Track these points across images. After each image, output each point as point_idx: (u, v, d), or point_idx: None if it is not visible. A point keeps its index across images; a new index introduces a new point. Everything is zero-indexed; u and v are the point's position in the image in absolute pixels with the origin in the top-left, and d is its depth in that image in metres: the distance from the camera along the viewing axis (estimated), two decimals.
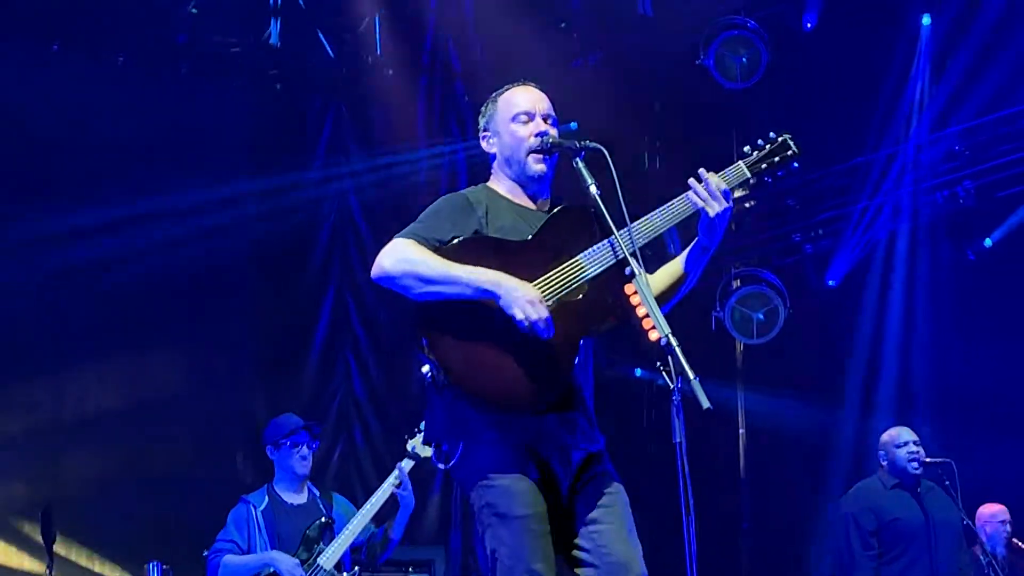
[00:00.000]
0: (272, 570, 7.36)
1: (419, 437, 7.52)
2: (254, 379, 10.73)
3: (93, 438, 9.77)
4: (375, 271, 4.31)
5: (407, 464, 7.61)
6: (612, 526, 4.27)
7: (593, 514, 4.28)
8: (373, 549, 7.74)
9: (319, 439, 7.93)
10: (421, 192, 11.08)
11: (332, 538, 7.54)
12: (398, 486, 7.58)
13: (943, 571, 8.27)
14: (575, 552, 4.28)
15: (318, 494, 7.83)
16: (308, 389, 11.04)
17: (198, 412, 10.24)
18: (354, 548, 7.64)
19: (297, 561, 7.37)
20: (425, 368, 4.25)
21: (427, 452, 7.45)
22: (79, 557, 9.75)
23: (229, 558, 7.45)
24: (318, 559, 7.43)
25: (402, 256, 4.24)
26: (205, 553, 7.60)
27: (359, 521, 7.57)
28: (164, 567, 8.06)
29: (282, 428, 7.78)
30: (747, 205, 11.33)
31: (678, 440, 3.95)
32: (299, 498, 7.75)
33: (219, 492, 7.83)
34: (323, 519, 7.60)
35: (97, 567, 9.80)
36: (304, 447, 7.72)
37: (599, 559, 4.22)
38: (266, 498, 7.68)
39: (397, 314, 10.08)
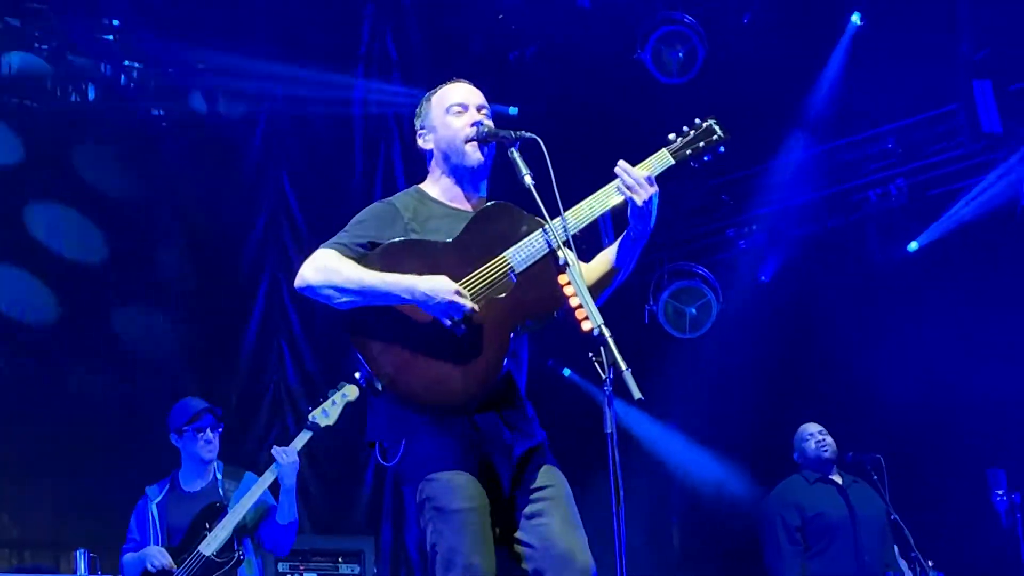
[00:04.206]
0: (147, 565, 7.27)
1: (321, 407, 7.36)
2: (185, 366, 10.62)
3: (18, 427, 9.64)
4: (297, 281, 4.32)
5: (303, 437, 7.38)
6: (555, 518, 4.24)
7: (535, 507, 4.26)
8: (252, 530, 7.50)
9: (223, 422, 7.66)
10: (356, 182, 11.04)
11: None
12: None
13: (868, 564, 8.37)
14: (518, 546, 4.25)
15: (220, 477, 7.58)
16: (242, 377, 10.93)
17: (128, 399, 10.13)
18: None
19: (163, 550, 7.24)
20: (358, 374, 4.27)
21: (327, 421, 7.32)
22: (5, 547, 9.65)
23: (127, 557, 7.40)
24: (199, 545, 7.22)
25: (322, 266, 4.25)
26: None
27: (244, 503, 7.32)
28: (91, 555, 7.92)
29: (184, 414, 7.57)
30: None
31: (609, 431, 3.95)
32: (200, 484, 7.56)
33: (147, 480, 7.72)
34: (216, 503, 7.40)
35: (27, 557, 9.69)
36: (208, 431, 7.51)
37: (543, 552, 4.19)
38: (165, 488, 7.53)
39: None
